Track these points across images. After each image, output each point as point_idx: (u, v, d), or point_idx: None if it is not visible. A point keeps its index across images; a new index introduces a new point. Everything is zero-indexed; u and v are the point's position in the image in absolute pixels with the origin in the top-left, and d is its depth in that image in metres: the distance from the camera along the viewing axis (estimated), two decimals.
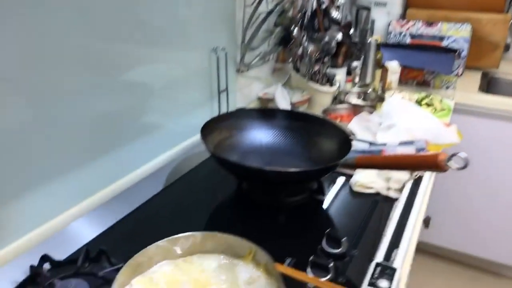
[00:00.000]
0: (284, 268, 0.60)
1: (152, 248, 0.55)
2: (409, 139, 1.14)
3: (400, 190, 0.97)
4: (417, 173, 1.00)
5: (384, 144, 1.11)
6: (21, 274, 0.68)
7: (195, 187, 1.02)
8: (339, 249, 0.75)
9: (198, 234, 0.58)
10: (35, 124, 0.73)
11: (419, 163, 0.70)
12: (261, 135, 1.07)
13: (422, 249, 2.02)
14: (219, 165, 0.91)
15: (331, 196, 0.97)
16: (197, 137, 1.16)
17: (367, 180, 0.99)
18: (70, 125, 0.80)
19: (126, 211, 0.88)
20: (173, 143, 1.11)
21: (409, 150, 1.06)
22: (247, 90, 1.43)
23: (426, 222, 1.84)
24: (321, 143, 1.01)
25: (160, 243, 0.56)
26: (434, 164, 0.65)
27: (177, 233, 0.84)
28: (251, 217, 0.91)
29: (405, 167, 0.76)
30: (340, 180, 1.03)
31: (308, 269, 0.70)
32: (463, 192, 1.86)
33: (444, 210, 1.91)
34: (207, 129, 0.97)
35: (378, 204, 0.94)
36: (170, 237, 0.57)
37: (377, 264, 0.70)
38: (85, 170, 0.85)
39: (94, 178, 0.88)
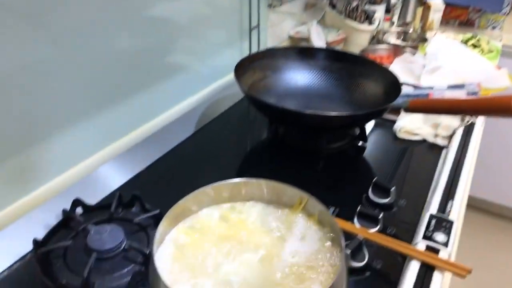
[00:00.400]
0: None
1: (194, 195, 0.50)
2: (457, 82, 1.04)
3: (449, 137, 0.89)
4: (469, 119, 0.92)
5: (431, 88, 1.02)
6: (54, 218, 0.65)
7: (227, 130, 0.96)
8: (387, 199, 0.70)
9: (242, 181, 0.53)
10: (60, 63, 0.67)
11: (487, 106, 0.62)
12: (297, 77, 0.99)
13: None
14: (253, 108, 0.84)
15: (373, 143, 0.90)
16: (228, 78, 1.10)
17: (413, 126, 0.91)
18: (97, 64, 0.73)
19: (157, 155, 0.84)
20: (202, 84, 1.05)
21: (459, 94, 0.97)
22: (278, 29, 1.33)
23: None
24: (364, 85, 0.93)
25: (203, 189, 0.51)
26: (507, 108, 0.58)
27: (209, 179, 0.79)
28: (288, 164, 0.85)
29: (468, 111, 0.68)
30: (383, 126, 0.95)
31: (355, 220, 0.66)
32: (506, 143, 1.75)
33: (485, 162, 1.81)
34: (240, 69, 0.90)
35: (425, 152, 0.87)
36: (213, 184, 0.52)
37: (432, 216, 0.64)
38: (114, 111, 0.80)
39: (123, 120, 0.83)
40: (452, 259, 0.60)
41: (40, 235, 0.61)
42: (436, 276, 0.57)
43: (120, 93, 0.81)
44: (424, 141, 0.90)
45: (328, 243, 0.48)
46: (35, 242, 0.59)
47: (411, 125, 0.91)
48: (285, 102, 0.92)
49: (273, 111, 0.82)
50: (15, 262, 0.59)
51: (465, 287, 1.56)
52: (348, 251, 0.56)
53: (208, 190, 0.52)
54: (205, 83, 1.06)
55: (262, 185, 0.54)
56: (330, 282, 0.39)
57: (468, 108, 0.65)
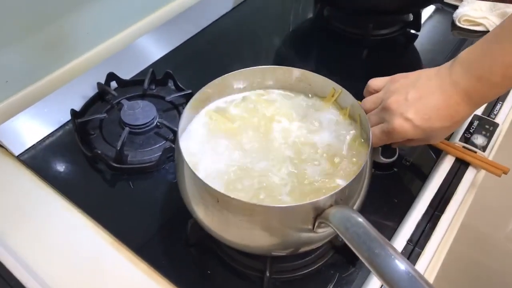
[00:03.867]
0: None
1: (224, 78, 0.49)
2: None
3: None
4: None
5: None
6: (90, 90, 0.67)
7: (268, 8, 0.90)
8: None
9: (274, 67, 0.50)
10: None
11: None
12: None
13: None
14: None
15: (427, 32, 0.82)
16: None
17: (477, 14, 0.81)
18: None
19: (193, 32, 0.80)
20: None
21: None
22: None
23: None
24: None
25: (233, 74, 0.49)
26: None
27: (247, 59, 0.77)
28: (330, 49, 0.80)
29: None
30: (442, 12, 0.85)
31: None
32: None
33: None
34: None
35: None
36: (244, 69, 0.49)
37: (476, 117, 0.60)
38: None
39: None
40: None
41: (77, 105, 0.64)
42: (470, 172, 0.55)
43: None
44: (486, 32, 0.80)
45: (357, 137, 0.47)
46: (73, 112, 0.61)
47: (474, 13, 0.81)
48: None
49: None
50: (56, 130, 0.63)
51: (500, 187, 1.54)
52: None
53: (239, 75, 0.50)
54: None
55: (295, 73, 0.51)
56: (354, 175, 0.38)
57: None
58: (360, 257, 0.33)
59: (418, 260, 0.46)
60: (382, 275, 0.31)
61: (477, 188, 0.56)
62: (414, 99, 0.45)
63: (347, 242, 0.34)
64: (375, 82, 0.52)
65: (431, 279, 0.47)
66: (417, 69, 0.50)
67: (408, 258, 0.46)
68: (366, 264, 0.32)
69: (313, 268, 0.48)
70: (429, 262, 0.46)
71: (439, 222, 0.49)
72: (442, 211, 0.51)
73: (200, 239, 0.49)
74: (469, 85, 0.43)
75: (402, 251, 0.47)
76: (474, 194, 0.55)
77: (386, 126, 0.46)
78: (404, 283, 0.30)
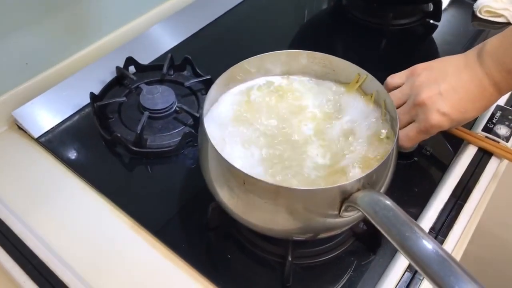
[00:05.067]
0: None
1: (245, 63, 0.48)
2: None
3: None
4: None
5: None
6: (109, 74, 0.66)
7: None
8: None
9: (296, 52, 0.50)
10: None
11: None
12: None
13: None
14: None
15: (447, 22, 0.81)
16: None
17: (498, 5, 0.79)
18: None
19: (211, 18, 0.80)
20: None
21: None
22: None
23: None
24: None
25: (255, 58, 0.48)
26: None
27: (263, 46, 0.76)
28: (347, 38, 0.79)
29: None
30: (462, 2, 0.84)
31: None
32: None
33: None
34: None
35: None
36: (266, 53, 0.49)
37: (499, 107, 0.59)
38: None
39: None
40: None
41: (96, 89, 0.63)
42: (493, 162, 0.54)
43: None
44: (507, 23, 0.79)
45: (383, 124, 0.46)
46: (92, 95, 0.61)
47: (495, 4, 0.80)
48: None
49: None
50: (75, 113, 0.63)
51: None
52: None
53: (262, 58, 0.49)
54: None
55: (318, 58, 0.50)
56: (380, 162, 0.38)
57: None
58: (391, 240, 0.33)
59: None
60: (413, 257, 0.31)
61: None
62: (448, 93, 0.45)
63: (376, 225, 0.34)
64: (393, 80, 0.52)
65: None
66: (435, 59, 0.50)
67: None
68: (397, 246, 0.32)
69: (333, 254, 0.48)
70: (452, 251, 0.46)
71: (462, 211, 0.49)
72: (464, 200, 0.50)
73: (220, 223, 0.49)
74: (500, 78, 0.44)
75: None
76: (496, 184, 0.54)
77: (424, 124, 0.46)
78: (435, 264, 0.30)
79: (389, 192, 0.52)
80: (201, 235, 0.49)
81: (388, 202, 0.35)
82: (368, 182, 0.38)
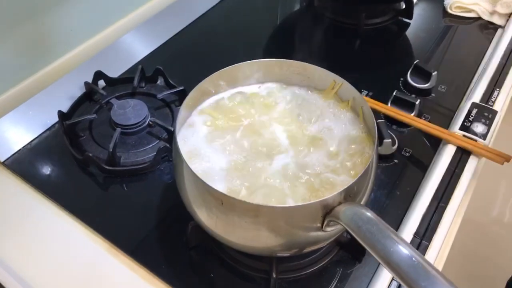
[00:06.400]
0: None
1: (218, 74, 0.47)
2: None
3: (508, 16, 0.78)
4: None
5: None
6: (77, 90, 0.64)
7: (256, 0, 0.87)
8: (427, 84, 0.64)
9: (270, 61, 0.48)
10: None
11: None
12: None
13: None
14: None
15: (419, 19, 0.81)
16: None
17: (469, 0, 0.80)
18: None
19: (181, 26, 0.78)
20: None
21: None
22: None
23: None
24: None
25: (227, 69, 0.47)
26: None
27: (238, 53, 0.75)
28: (321, 40, 0.78)
29: None
30: (434, 0, 0.84)
31: (389, 105, 0.62)
32: None
33: None
34: None
35: (478, 32, 0.78)
36: (241, 63, 0.47)
37: (474, 105, 0.59)
38: None
39: None
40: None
41: (65, 106, 0.61)
42: (472, 161, 0.54)
43: None
44: (478, 18, 0.79)
45: (360, 131, 0.45)
46: (61, 113, 0.59)
47: (467, 0, 0.80)
48: None
49: None
50: (43, 132, 0.60)
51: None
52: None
53: (235, 69, 0.48)
54: None
55: (292, 66, 0.49)
56: (361, 171, 0.37)
57: None
58: (375, 255, 0.32)
59: (426, 253, 0.45)
60: (399, 273, 0.30)
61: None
62: None
63: (360, 241, 0.33)
64: None
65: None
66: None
67: None
68: (381, 262, 0.31)
69: (318, 266, 0.47)
70: (437, 254, 0.45)
71: (444, 214, 0.49)
72: (446, 202, 0.50)
73: (200, 241, 0.47)
74: None
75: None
76: (475, 183, 0.54)
77: None
78: (422, 280, 0.29)
79: (371, 196, 0.52)
80: (181, 254, 0.48)
81: (371, 215, 0.34)
82: (350, 195, 0.37)
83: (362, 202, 0.40)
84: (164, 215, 0.51)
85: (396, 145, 0.57)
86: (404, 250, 0.31)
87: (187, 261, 0.47)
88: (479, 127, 0.57)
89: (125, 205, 0.53)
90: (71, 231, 0.50)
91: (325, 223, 0.36)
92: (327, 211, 0.36)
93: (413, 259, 0.30)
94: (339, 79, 0.46)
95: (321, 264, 0.47)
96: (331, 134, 0.45)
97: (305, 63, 0.48)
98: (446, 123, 0.60)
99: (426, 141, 0.59)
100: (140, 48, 0.72)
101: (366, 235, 0.33)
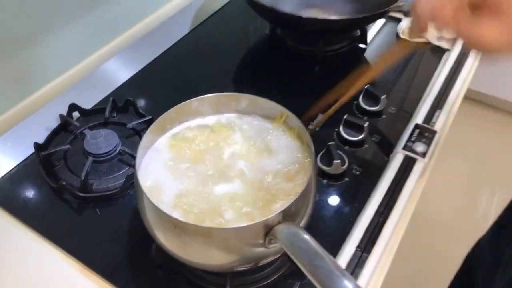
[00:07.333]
0: None
1: (180, 107, 0.52)
2: None
3: (454, 40, 0.85)
4: None
5: None
6: (53, 121, 0.69)
7: (224, 29, 0.93)
8: (377, 107, 0.70)
9: (228, 94, 0.54)
10: None
11: None
12: None
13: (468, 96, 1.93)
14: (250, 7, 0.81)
15: (376, 45, 0.87)
16: None
17: None
18: None
19: (151, 57, 0.83)
20: None
21: None
22: None
23: None
24: None
25: (189, 102, 0.52)
26: None
27: (205, 82, 0.81)
28: (285, 66, 0.84)
29: None
30: (387, 26, 0.91)
31: (341, 128, 0.67)
32: None
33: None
34: None
35: (427, 56, 0.84)
36: (200, 97, 0.53)
37: (416, 126, 0.66)
38: (103, 11, 0.78)
39: (114, 20, 0.82)
40: (430, 167, 0.63)
41: (42, 137, 0.66)
42: (413, 177, 0.60)
43: None
44: (427, 43, 0.86)
45: (303, 156, 0.51)
46: (37, 145, 0.63)
47: None
48: (283, 1, 0.87)
49: (269, 12, 0.78)
50: (20, 163, 0.64)
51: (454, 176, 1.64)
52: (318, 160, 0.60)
53: (195, 102, 0.53)
54: None
55: (246, 99, 0.54)
56: (299, 192, 0.42)
57: None
58: (303, 270, 0.37)
59: (366, 264, 0.51)
60: (321, 284, 0.35)
61: None
62: None
63: (291, 256, 0.38)
64: None
65: (379, 280, 0.51)
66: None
67: (357, 263, 0.51)
68: (307, 275, 0.36)
69: (271, 279, 0.52)
70: (375, 265, 0.51)
71: (383, 227, 0.54)
72: (387, 215, 0.55)
73: (165, 260, 0.52)
74: None
75: (352, 257, 0.51)
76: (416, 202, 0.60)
77: None
78: None
79: (321, 215, 0.57)
80: (150, 273, 0.52)
81: (305, 235, 0.39)
82: (288, 215, 0.42)
83: (303, 221, 0.46)
84: (133, 237, 0.56)
85: (346, 164, 0.62)
86: (328, 265, 0.36)
87: (154, 279, 0.52)
88: (419, 147, 0.63)
89: (98, 228, 0.57)
90: (47, 255, 0.54)
91: (266, 240, 0.41)
92: (267, 230, 0.41)
93: (335, 272, 0.36)
94: (285, 110, 0.52)
95: (274, 278, 0.52)
96: (278, 159, 0.51)
97: (256, 96, 0.54)
98: (394, 143, 0.66)
99: (376, 160, 0.64)
100: (112, 79, 0.77)
101: (297, 251, 0.38)
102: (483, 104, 1.93)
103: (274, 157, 0.51)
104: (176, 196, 0.47)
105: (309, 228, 0.43)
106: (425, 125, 0.66)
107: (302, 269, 0.37)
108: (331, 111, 0.64)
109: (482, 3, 0.42)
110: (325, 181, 0.62)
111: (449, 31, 0.44)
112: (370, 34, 0.88)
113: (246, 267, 0.47)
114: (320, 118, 0.67)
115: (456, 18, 0.43)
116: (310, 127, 0.68)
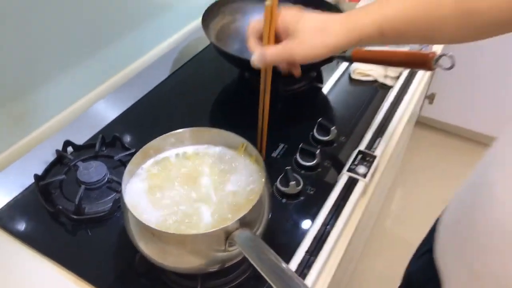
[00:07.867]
0: None
1: (160, 139, 0.63)
2: None
3: (397, 78, 0.99)
4: None
5: None
6: (50, 155, 0.79)
7: (200, 72, 1.07)
8: (328, 137, 0.83)
9: (199, 129, 0.66)
10: (38, 13, 0.76)
11: (409, 60, 0.71)
12: None
13: (425, 123, 2.10)
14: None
15: (331, 84, 1.00)
16: (199, 21, 1.17)
17: (366, 67, 1.01)
18: (76, 14, 0.82)
19: (136, 98, 0.95)
20: (180, 25, 1.12)
21: None
22: None
23: (431, 98, 1.87)
24: None
25: (167, 135, 0.64)
26: (423, 63, 0.68)
27: (183, 119, 0.93)
28: (251, 104, 0.96)
29: (397, 63, 0.77)
30: (342, 67, 1.05)
31: (297, 155, 0.79)
32: (471, 69, 1.83)
33: (450, 87, 1.91)
34: (209, 14, 0.98)
35: (375, 92, 0.98)
36: (175, 131, 0.64)
37: (359, 152, 0.78)
38: (91, 61, 0.90)
39: (103, 68, 0.94)
40: (372, 188, 0.75)
41: (40, 169, 0.76)
42: (355, 194, 0.72)
43: (96, 43, 0.90)
44: (374, 81, 1.00)
45: (260, 177, 0.62)
46: (36, 176, 0.74)
47: (364, 66, 1.01)
48: None
49: (234, 60, 0.91)
50: (22, 192, 0.74)
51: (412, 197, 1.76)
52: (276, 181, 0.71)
53: (172, 135, 0.65)
54: (182, 24, 1.13)
55: (214, 133, 0.66)
56: (253, 204, 0.53)
57: (397, 60, 0.74)
58: (255, 265, 0.47)
59: (313, 266, 0.62)
60: (268, 275, 0.46)
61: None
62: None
63: (245, 254, 0.49)
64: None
65: (326, 280, 0.62)
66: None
67: (305, 265, 0.62)
68: (258, 269, 0.47)
69: (237, 282, 0.62)
70: (321, 266, 0.62)
71: (329, 236, 0.65)
72: (332, 226, 0.67)
73: (147, 268, 0.62)
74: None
75: (301, 260, 0.62)
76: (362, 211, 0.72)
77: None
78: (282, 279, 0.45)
79: (279, 228, 0.68)
80: (136, 281, 0.62)
81: (254, 236, 0.50)
82: (244, 223, 0.53)
83: (260, 230, 0.57)
84: (120, 251, 0.66)
85: (301, 185, 0.74)
86: (271, 258, 0.47)
87: (138, 286, 0.62)
88: (361, 169, 0.75)
89: (90, 245, 0.67)
90: (46, 270, 0.64)
91: (227, 244, 0.52)
92: (228, 235, 0.52)
93: (281, 265, 0.46)
94: (245, 141, 0.64)
95: (239, 281, 0.62)
96: (241, 180, 0.62)
97: (222, 130, 0.66)
98: (342, 167, 0.78)
99: (327, 181, 0.76)
100: (102, 118, 0.89)
101: (248, 249, 0.49)
102: (444, 132, 2.10)
103: (236, 179, 0.63)
104: (155, 213, 0.58)
105: (269, 239, 0.53)
106: (367, 151, 0.78)
107: (252, 262, 0.48)
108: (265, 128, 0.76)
109: (284, 33, 0.61)
110: (284, 200, 0.73)
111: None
112: (326, 74, 1.02)
113: (214, 268, 0.57)
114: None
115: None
116: (273, 154, 0.80)
